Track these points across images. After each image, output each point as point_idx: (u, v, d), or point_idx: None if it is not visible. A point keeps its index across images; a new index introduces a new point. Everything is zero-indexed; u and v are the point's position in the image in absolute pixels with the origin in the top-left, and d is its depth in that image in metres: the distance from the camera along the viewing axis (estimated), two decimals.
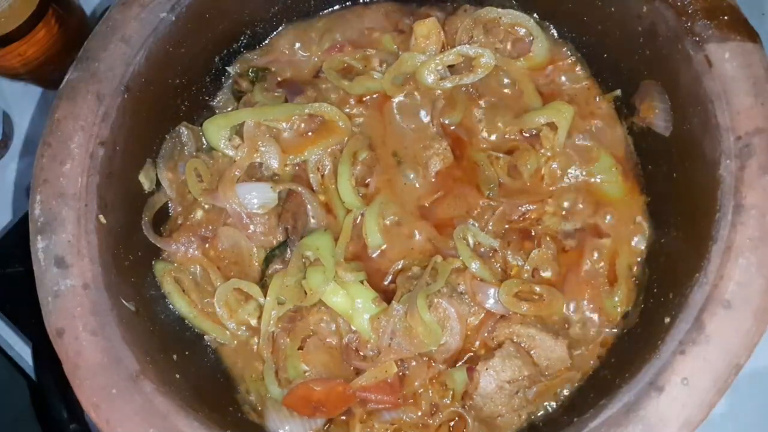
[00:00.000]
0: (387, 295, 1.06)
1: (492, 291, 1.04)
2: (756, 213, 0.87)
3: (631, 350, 0.99)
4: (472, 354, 1.05)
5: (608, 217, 1.11)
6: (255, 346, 1.09)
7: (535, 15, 1.20)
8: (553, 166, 1.13)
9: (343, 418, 1.04)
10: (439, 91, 1.18)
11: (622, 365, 0.95)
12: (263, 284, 1.09)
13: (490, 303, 1.04)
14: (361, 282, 1.05)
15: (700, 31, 0.95)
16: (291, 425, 1.03)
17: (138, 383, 0.88)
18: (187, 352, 1.05)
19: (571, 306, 1.07)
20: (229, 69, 1.24)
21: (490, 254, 1.09)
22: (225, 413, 1.02)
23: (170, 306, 1.09)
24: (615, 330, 1.07)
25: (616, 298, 1.07)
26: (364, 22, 1.26)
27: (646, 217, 1.11)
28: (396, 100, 1.18)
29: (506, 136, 1.16)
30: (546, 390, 1.04)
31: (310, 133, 1.15)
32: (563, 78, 1.20)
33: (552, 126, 1.12)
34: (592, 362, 1.06)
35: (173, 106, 1.16)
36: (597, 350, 1.06)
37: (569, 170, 1.14)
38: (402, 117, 1.18)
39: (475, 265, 1.04)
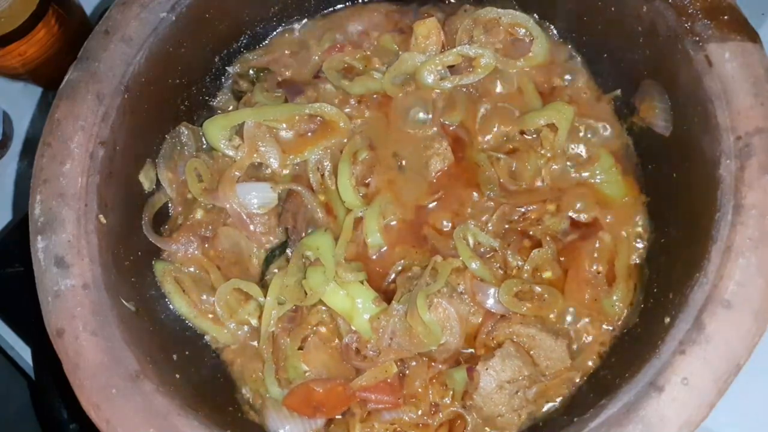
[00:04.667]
0: (387, 295, 1.06)
1: (492, 291, 1.04)
2: (756, 213, 0.86)
3: (631, 350, 0.99)
4: (472, 354, 1.05)
5: (608, 217, 1.11)
6: (255, 346, 1.09)
7: (535, 15, 1.20)
8: (554, 166, 1.13)
9: (343, 417, 1.04)
10: (439, 91, 1.18)
11: (622, 365, 0.94)
12: (263, 284, 1.09)
13: (490, 303, 1.04)
14: (361, 282, 1.05)
15: (700, 31, 0.95)
16: (291, 425, 1.03)
17: (138, 383, 0.88)
18: (187, 352, 1.05)
19: (571, 306, 1.07)
20: (229, 69, 1.24)
21: (490, 254, 1.09)
22: (225, 413, 1.02)
23: (170, 306, 1.09)
24: (615, 330, 1.07)
25: (616, 298, 1.07)
26: (364, 22, 1.26)
27: (646, 217, 1.11)
28: (396, 100, 1.18)
29: (506, 136, 1.16)
30: (546, 390, 1.04)
31: (310, 133, 1.15)
32: (563, 78, 1.20)
33: (552, 126, 1.12)
34: (592, 362, 1.06)
35: (173, 106, 1.16)
36: (597, 350, 1.06)
37: (569, 170, 1.14)
38: (402, 117, 1.18)
39: (475, 265, 1.04)
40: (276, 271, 1.10)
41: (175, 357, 1.00)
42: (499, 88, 1.18)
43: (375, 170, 1.14)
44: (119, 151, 1.01)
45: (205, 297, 1.11)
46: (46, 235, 0.93)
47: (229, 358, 1.11)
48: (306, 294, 1.04)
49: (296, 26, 1.28)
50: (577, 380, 1.05)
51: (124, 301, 0.95)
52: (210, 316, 1.10)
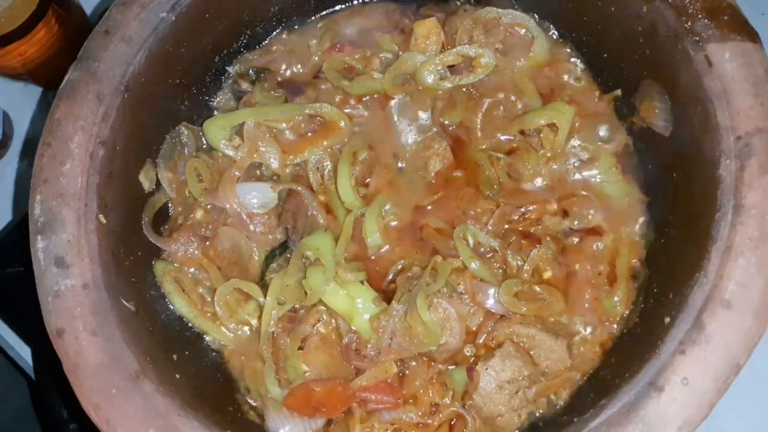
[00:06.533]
0: (387, 295, 1.06)
1: (492, 291, 1.04)
2: (756, 213, 0.86)
3: (631, 350, 0.99)
4: (471, 354, 1.05)
5: (608, 217, 1.11)
6: (255, 346, 1.09)
7: (535, 15, 1.20)
8: (554, 166, 1.13)
9: (343, 417, 1.04)
10: (439, 92, 1.18)
11: (622, 365, 0.95)
12: (263, 284, 1.09)
13: (490, 303, 1.04)
14: (362, 282, 1.05)
15: (700, 31, 0.95)
16: (291, 425, 1.03)
17: (138, 383, 0.88)
18: (187, 352, 1.05)
19: (571, 306, 1.07)
20: (229, 69, 1.24)
21: (490, 254, 1.08)
22: (225, 413, 1.02)
23: (170, 306, 1.09)
24: (615, 330, 1.07)
25: (616, 298, 1.07)
26: (364, 22, 1.26)
27: (646, 217, 1.11)
28: (396, 100, 1.18)
29: (506, 136, 1.16)
30: (546, 390, 1.03)
31: (310, 134, 1.15)
32: (563, 78, 1.20)
33: (552, 126, 1.12)
34: (592, 362, 1.06)
35: (173, 106, 1.16)
36: (597, 350, 1.06)
37: (569, 171, 1.14)
38: (402, 117, 1.18)
39: (475, 265, 1.04)
40: (276, 270, 1.10)
41: (175, 357, 1.00)
42: (499, 88, 1.18)
43: (374, 170, 1.14)
44: (119, 151, 1.01)
45: (205, 297, 1.11)
46: (46, 235, 0.93)
47: (229, 358, 1.11)
48: (306, 294, 1.05)
49: (296, 26, 1.28)
50: (577, 380, 1.05)
51: (124, 301, 0.95)
52: (210, 316, 1.10)
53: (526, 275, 1.06)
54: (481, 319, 1.05)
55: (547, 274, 1.08)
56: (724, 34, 0.94)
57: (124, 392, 0.87)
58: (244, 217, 1.11)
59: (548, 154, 1.13)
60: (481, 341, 1.05)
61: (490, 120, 1.17)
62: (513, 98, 1.18)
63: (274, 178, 1.14)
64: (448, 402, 1.03)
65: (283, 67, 1.25)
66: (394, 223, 1.13)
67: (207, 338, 1.11)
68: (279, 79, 1.23)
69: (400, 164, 1.16)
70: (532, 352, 1.04)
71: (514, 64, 1.18)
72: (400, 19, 1.24)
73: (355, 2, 1.29)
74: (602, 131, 1.16)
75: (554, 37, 1.22)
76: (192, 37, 1.12)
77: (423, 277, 1.03)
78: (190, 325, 1.10)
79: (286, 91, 1.19)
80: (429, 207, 1.13)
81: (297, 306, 1.07)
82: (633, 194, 1.12)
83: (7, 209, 1.49)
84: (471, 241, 1.08)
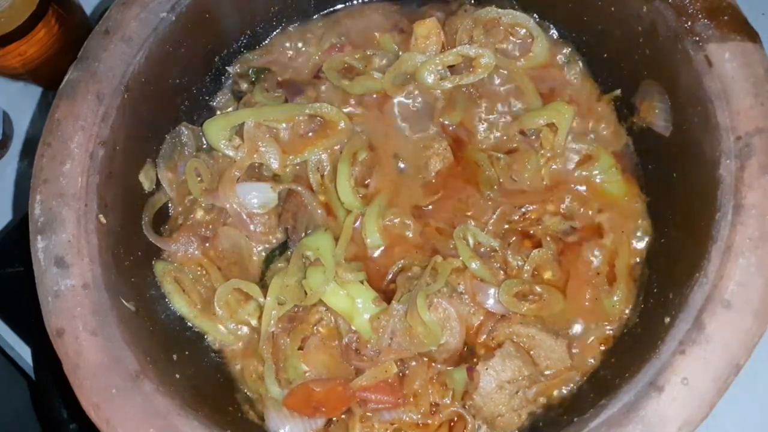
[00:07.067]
0: (387, 295, 1.06)
1: (492, 291, 1.04)
2: (756, 213, 0.87)
3: (631, 350, 0.99)
4: (471, 354, 1.05)
5: (608, 217, 1.11)
6: (255, 346, 1.09)
7: (535, 15, 1.20)
8: (553, 166, 1.13)
9: (343, 417, 1.04)
10: (439, 92, 1.18)
11: (622, 365, 0.95)
12: (263, 284, 1.09)
13: (490, 303, 1.04)
14: (361, 282, 1.05)
15: (700, 31, 0.95)
16: (291, 425, 1.03)
17: (138, 383, 0.88)
18: (187, 352, 1.05)
19: (571, 306, 1.07)
20: (229, 69, 1.24)
21: (490, 254, 1.08)
22: (225, 413, 1.02)
23: (170, 306, 1.09)
24: (615, 330, 1.07)
25: (616, 298, 1.07)
26: (364, 22, 1.26)
27: (646, 217, 1.11)
28: (396, 100, 1.18)
29: (506, 136, 1.16)
30: (546, 390, 1.04)
31: (310, 134, 1.15)
32: (563, 78, 1.20)
33: (552, 126, 1.12)
34: (592, 362, 1.06)
35: (173, 106, 1.16)
36: (597, 350, 1.06)
37: (569, 170, 1.13)
38: (402, 117, 1.18)
39: (475, 265, 1.04)
40: (276, 270, 1.09)
41: (175, 357, 1.00)
42: (499, 89, 1.18)
43: (374, 170, 1.14)
44: (119, 151, 1.01)
45: (205, 297, 1.11)
46: (46, 235, 0.93)
47: (229, 358, 1.11)
48: (306, 294, 1.04)
49: (296, 26, 1.28)
50: (577, 380, 1.05)
51: (124, 301, 0.95)
52: (210, 316, 1.10)
53: (526, 275, 1.06)
54: (481, 319, 1.05)
55: (547, 274, 1.08)
56: (724, 34, 0.94)
57: (124, 392, 0.87)
58: (244, 217, 1.11)
59: (548, 154, 1.13)
60: (481, 341, 1.05)
61: (489, 120, 1.17)
62: (513, 98, 1.17)
63: (275, 178, 1.14)
64: (448, 402, 1.03)
65: (283, 67, 1.25)
66: (394, 222, 1.13)
67: (207, 338, 1.11)
68: (279, 79, 1.23)
69: (400, 164, 1.16)
70: (532, 352, 1.04)
71: (514, 64, 1.18)
72: (400, 19, 1.24)
73: (355, 2, 1.29)
74: (602, 131, 1.16)
75: (554, 37, 1.22)
76: (192, 37, 1.12)
77: (423, 277, 1.03)
78: (190, 325, 1.10)
79: (286, 91, 1.19)
80: (429, 207, 1.13)
81: (297, 306, 1.07)
82: (633, 194, 1.13)
83: (7, 209, 1.49)
84: (471, 241, 1.08)
